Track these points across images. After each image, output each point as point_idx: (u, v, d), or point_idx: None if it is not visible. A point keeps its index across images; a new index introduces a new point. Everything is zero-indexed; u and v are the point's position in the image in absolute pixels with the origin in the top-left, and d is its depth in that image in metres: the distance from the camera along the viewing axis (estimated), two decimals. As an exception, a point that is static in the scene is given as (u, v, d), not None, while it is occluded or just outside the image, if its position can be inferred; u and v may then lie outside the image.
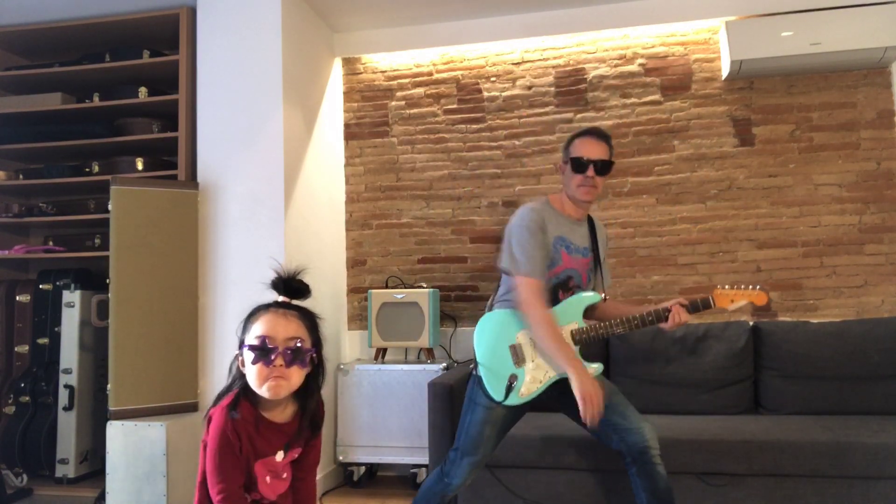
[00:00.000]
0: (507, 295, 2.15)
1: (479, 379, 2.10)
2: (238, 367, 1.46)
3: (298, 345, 1.41)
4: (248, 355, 1.40)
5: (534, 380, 2.06)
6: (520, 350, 2.08)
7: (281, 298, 1.48)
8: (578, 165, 2.12)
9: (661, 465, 2.03)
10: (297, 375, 1.42)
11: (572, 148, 2.18)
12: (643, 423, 2.06)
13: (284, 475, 1.51)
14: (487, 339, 2.12)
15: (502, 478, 2.62)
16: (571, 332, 2.10)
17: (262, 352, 1.38)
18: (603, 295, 2.22)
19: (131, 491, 2.76)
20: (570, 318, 2.12)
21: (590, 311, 2.19)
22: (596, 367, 2.08)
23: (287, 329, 1.41)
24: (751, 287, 2.09)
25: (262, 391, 1.40)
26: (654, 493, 2.02)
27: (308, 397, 1.49)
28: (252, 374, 1.40)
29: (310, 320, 1.47)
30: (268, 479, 1.46)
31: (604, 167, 2.13)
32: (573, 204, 2.21)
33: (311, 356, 1.44)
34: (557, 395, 2.13)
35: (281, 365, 1.38)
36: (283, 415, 1.48)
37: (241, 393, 1.43)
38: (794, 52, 3.11)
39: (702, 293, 3.33)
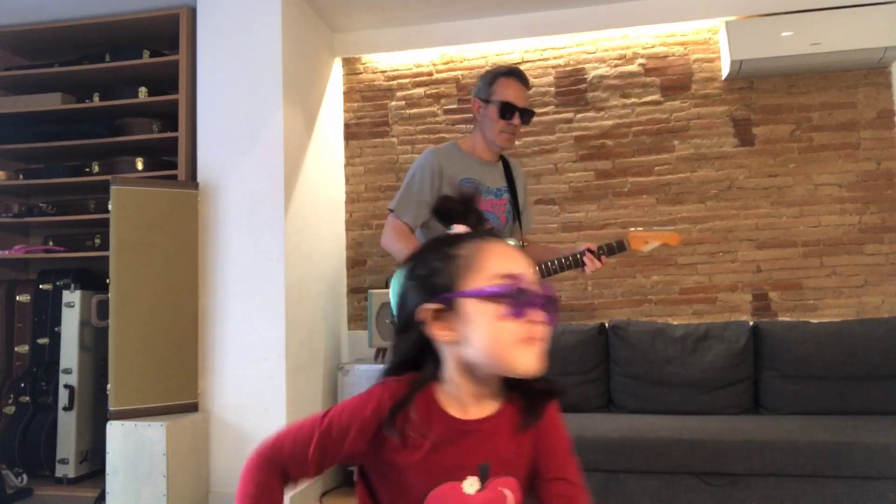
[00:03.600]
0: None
1: None
2: (420, 337, 0.90)
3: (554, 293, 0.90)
4: (484, 309, 0.85)
5: None
6: None
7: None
8: (506, 111, 2.01)
9: None
10: None
11: (497, 88, 2.03)
12: None
13: None
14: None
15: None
16: None
17: (521, 298, 0.85)
18: (522, 242, 2.13)
19: (131, 491, 2.76)
20: None
21: None
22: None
23: (530, 268, 0.90)
24: (665, 229, 2.09)
25: (521, 362, 0.85)
26: None
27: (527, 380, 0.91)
28: (504, 335, 0.84)
29: None
30: None
31: (529, 116, 2.06)
32: (486, 147, 2.11)
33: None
34: None
35: (541, 321, 0.86)
36: (478, 409, 0.92)
37: (429, 375, 0.91)
38: (794, 52, 3.11)
39: (701, 293, 3.34)
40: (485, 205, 2.11)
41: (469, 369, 0.89)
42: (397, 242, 2.00)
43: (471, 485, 0.89)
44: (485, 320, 0.85)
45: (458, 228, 0.96)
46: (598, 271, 2.05)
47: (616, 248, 2.04)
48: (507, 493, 0.91)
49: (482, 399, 0.91)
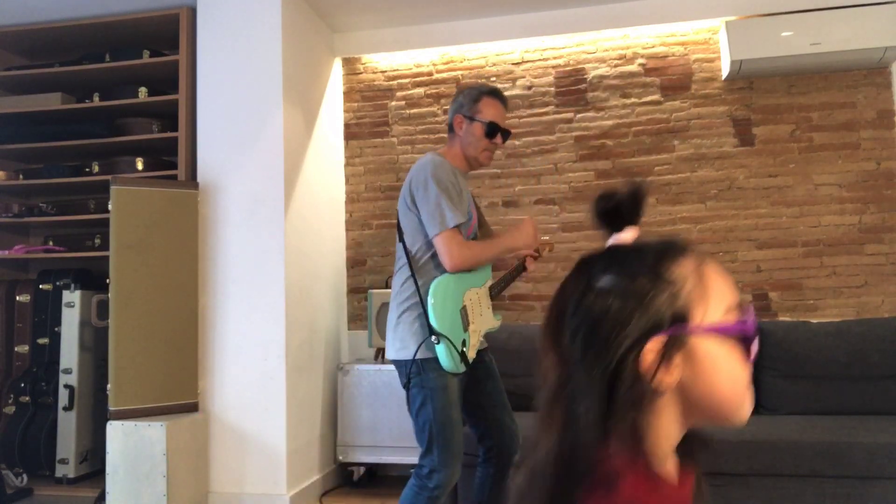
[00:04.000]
0: (424, 259, 2.02)
1: (429, 360, 1.93)
2: (632, 375, 0.65)
3: None
4: (723, 347, 0.67)
5: (476, 341, 2.06)
6: (465, 313, 2.02)
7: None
8: (492, 132, 2.06)
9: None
10: None
11: (483, 108, 2.06)
12: (518, 430, 2.13)
13: None
14: (445, 309, 1.95)
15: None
16: (489, 288, 2.15)
17: (754, 335, 0.69)
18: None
19: (131, 491, 2.76)
20: (486, 273, 2.16)
21: None
22: (497, 320, 2.17)
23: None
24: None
25: (741, 414, 0.69)
26: (501, 492, 2.10)
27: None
28: (734, 379, 0.68)
29: None
30: None
31: (508, 136, 2.15)
32: (464, 161, 2.14)
33: None
34: (471, 387, 2.14)
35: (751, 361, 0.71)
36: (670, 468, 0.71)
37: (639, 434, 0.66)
38: (794, 52, 3.12)
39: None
40: (475, 217, 2.19)
41: (685, 419, 0.69)
42: (466, 250, 1.96)
43: None
44: (727, 361, 0.67)
45: (628, 235, 0.75)
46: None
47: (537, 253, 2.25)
48: None
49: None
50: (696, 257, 0.70)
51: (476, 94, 2.10)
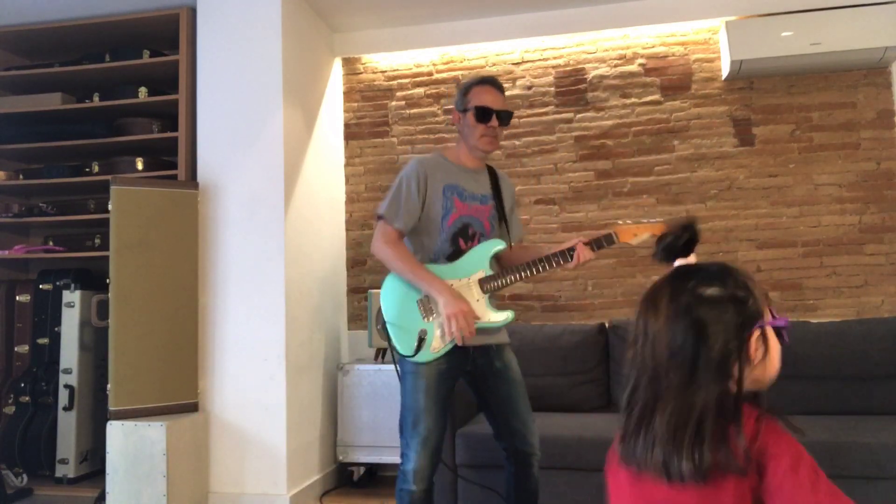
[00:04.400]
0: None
1: (390, 340, 2.05)
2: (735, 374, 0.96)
3: None
4: (773, 337, 1.02)
5: (444, 333, 2.00)
6: (425, 302, 2.02)
7: None
8: (482, 115, 2.07)
9: (537, 467, 2.13)
10: None
11: (472, 97, 2.11)
12: (535, 431, 2.13)
13: None
14: (394, 296, 2.07)
15: (500, 479, 2.62)
16: (479, 280, 2.06)
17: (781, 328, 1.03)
18: (509, 246, 2.16)
19: (131, 491, 2.76)
20: (475, 266, 2.07)
21: (498, 260, 2.16)
22: (507, 316, 2.06)
23: None
24: (653, 221, 2.10)
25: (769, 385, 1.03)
26: (525, 490, 2.12)
27: None
28: (777, 358, 1.03)
29: None
30: None
31: (507, 117, 2.12)
32: (470, 154, 2.16)
33: None
34: (476, 385, 2.14)
35: None
36: None
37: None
38: (794, 52, 3.11)
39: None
40: (469, 210, 2.12)
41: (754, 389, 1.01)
42: (387, 248, 2.04)
43: None
44: (776, 345, 1.02)
45: (692, 258, 1.14)
46: (588, 265, 2.15)
47: (605, 241, 2.07)
48: None
49: None
50: (745, 273, 1.02)
51: (466, 86, 2.15)
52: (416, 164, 2.10)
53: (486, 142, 2.11)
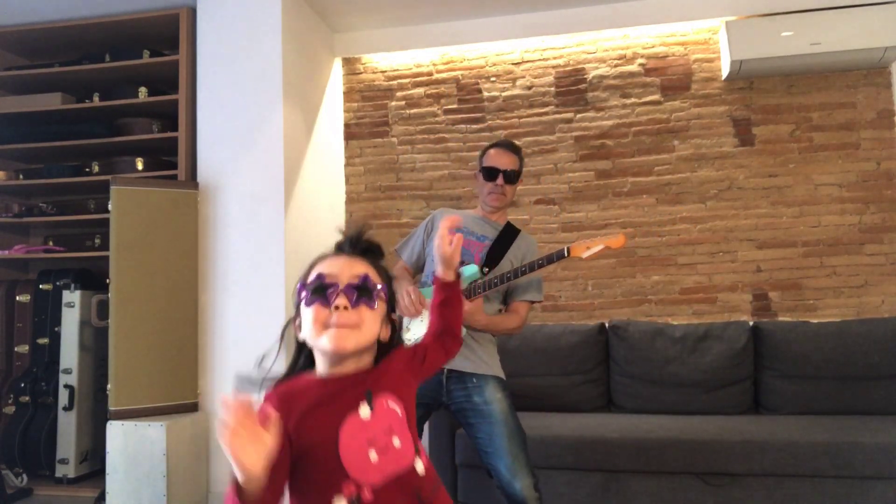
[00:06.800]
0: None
1: None
2: (296, 339, 1.17)
3: (365, 280, 1.11)
4: (303, 301, 1.13)
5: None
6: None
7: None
8: (489, 174, 2.25)
9: None
10: (369, 321, 1.10)
11: (485, 158, 2.29)
12: (527, 473, 1.95)
13: (397, 443, 1.08)
14: None
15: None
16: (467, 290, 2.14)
17: (319, 289, 1.10)
18: (485, 269, 2.16)
19: (131, 491, 2.76)
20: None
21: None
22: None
23: (352, 268, 1.14)
24: (610, 233, 2.12)
25: (322, 343, 1.08)
26: None
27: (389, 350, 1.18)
28: (308, 322, 1.10)
29: (381, 266, 1.21)
30: (373, 454, 1.05)
31: (512, 176, 2.25)
32: (482, 209, 2.34)
33: (381, 294, 1.14)
34: (458, 420, 2.14)
35: (345, 306, 1.08)
36: (357, 364, 1.13)
37: (299, 366, 1.17)
38: (794, 52, 3.12)
39: (701, 293, 3.34)
40: (463, 243, 2.10)
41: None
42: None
43: (363, 412, 1.09)
44: (303, 312, 1.18)
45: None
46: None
47: (556, 257, 2.09)
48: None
49: (346, 363, 1.17)
50: (324, 257, 1.23)
51: (484, 149, 2.34)
52: (433, 213, 2.36)
53: (494, 198, 2.26)
